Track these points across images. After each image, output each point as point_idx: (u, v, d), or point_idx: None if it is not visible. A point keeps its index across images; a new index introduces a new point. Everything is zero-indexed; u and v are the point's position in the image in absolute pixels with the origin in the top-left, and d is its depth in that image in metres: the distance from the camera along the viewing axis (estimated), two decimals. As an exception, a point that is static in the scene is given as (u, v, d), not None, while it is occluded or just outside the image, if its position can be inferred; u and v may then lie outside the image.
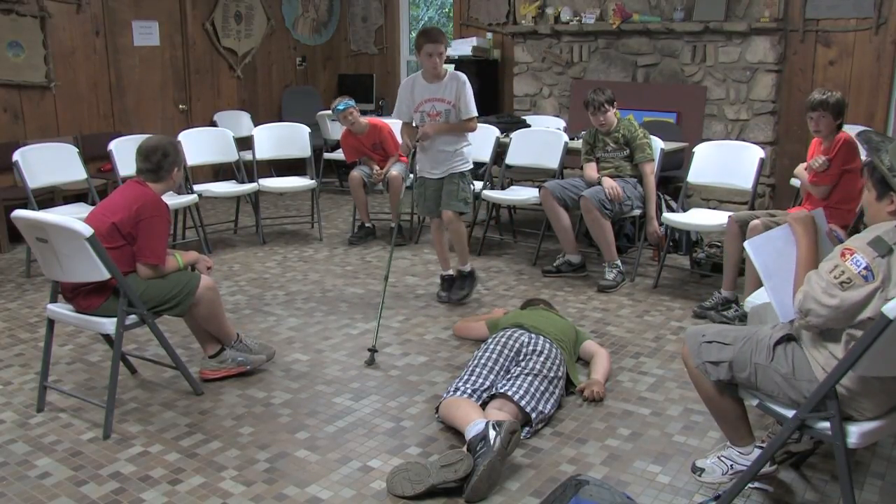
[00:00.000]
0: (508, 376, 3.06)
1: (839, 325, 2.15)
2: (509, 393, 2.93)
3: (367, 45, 8.93)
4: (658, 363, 3.65)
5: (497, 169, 5.88)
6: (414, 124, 4.33)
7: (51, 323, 3.25)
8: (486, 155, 5.71)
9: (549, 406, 3.02)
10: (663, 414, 3.14)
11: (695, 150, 4.92)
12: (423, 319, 4.27)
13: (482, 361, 3.15)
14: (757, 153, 4.65)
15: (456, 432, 2.89)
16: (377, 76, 8.70)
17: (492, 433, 2.54)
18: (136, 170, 3.32)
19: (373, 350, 3.68)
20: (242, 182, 6.16)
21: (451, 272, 4.61)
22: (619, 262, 4.84)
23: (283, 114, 8.27)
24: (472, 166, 4.46)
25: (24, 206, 4.07)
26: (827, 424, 2.15)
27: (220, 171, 7.08)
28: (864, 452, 2.80)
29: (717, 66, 6.31)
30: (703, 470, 2.62)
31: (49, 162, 5.20)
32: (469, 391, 2.99)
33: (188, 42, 7.52)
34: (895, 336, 1.94)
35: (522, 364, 3.11)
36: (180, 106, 7.55)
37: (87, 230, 2.84)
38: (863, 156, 3.95)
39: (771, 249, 2.46)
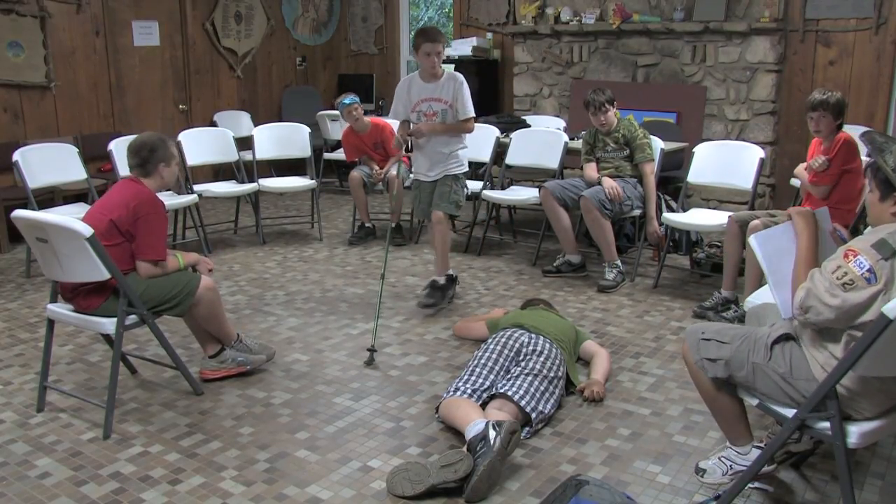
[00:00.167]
0: (508, 376, 3.06)
1: (839, 326, 2.15)
2: (509, 393, 2.93)
3: (367, 45, 8.93)
4: (658, 363, 3.65)
5: (497, 169, 5.88)
6: (411, 125, 4.33)
7: (51, 323, 3.25)
8: (486, 155, 5.72)
9: (549, 406, 3.02)
10: (663, 414, 3.14)
11: (695, 150, 4.92)
12: (423, 319, 4.27)
13: (482, 361, 3.15)
14: (757, 153, 4.65)
15: (456, 432, 2.89)
16: (377, 76, 8.70)
17: (492, 433, 2.54)
18: (128, 167, 3.34)
19: (371, 350, 3.69)
20: (242, 182, 6.16)
21: (450, 272, 4.59)
22: (619, 262, 4.84)
23: (283, 114, 8.27)
24: (466, 169, 4.45)
25: (24, 206, 4.07)
26: (827, 424, 2.15)
27: (220, 171, 7.08)
28: (864, 452, 2.80)
29: (717, 66, 6.31)
30: (705, 471, 2.63)
31: (49, 162, 5.20)
32: (469, 391, 2.99)
33: (188, 42, 7.52)
34: (895, 336, 1.94)
35: (522, 364, 3.11)
36: (180, 106, 7.55)
37: (87, 230, 2.84)
38: (863, 156, 3.96)
39: (774, 245, 2.47)
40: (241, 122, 7.60)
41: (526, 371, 3.06)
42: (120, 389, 3.24)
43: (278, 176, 6.53)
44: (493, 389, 3.00)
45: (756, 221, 3.91)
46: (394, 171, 5.71)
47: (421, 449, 2.87)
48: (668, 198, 5.26)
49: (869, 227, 2.58)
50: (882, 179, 2.20)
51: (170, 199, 5.46)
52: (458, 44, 7.75)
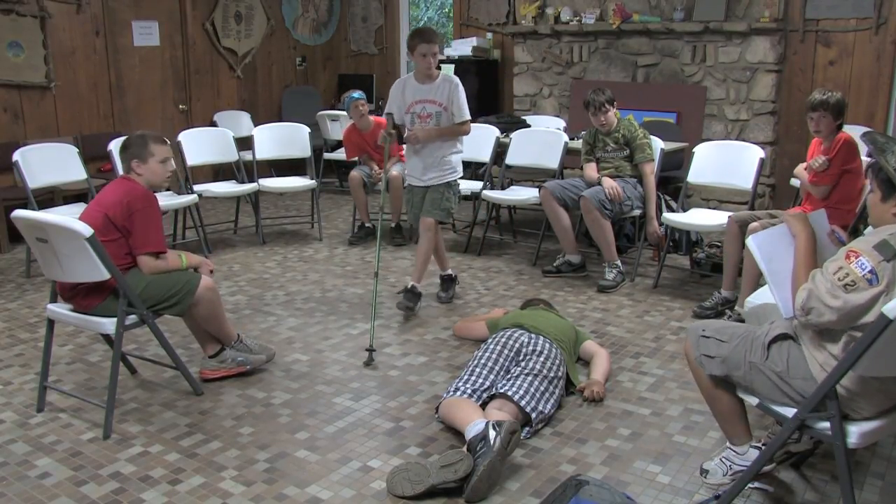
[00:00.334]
0: (508, 376, 3.06)
1: (840, 327, 2.15)
2: (509, 393, 2.93)
3: (367, 45, 8.93)
4: (658, 363, 3.65)
5: (497, 169, 5.88)
6: (407, 127, 4.30)
7: (51, 323, 3.25)
8: (486, 155, 5.72)
9: (549, 406, 3.02)
10: (663, 414, 3.14)
11: (695, 150, 4.92)
12: (423, 319, 4.27)
13: (482, 361, 3.15)
14: (757, 153, 4.65)
15: (456, 432, 2.89)
16: (377, 76, 8.70)
17: (492, 433, 2.54)
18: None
19: (370, 350, 3.68)
20: (242, 182, 6.16)
21: (449, 272, 4.61)
22: (619, 263, 4.84)
23: (283, 114, 8.28)
24: (461, 175, 4.41)
25: (24, 206, 4.07)
26: (827, 424, 2.15)
27: (220, 172, 7.08)
28: (864, 452, 2.80)
29: (717, 66, 6.31)
30: (708, 472, 2.63)
31: (49, 162, 5.20)
32: (469, 391, 2.99)
33: (188, 42, 7.52)
34: (895, 336, 1.94)
35: (522, 364, 3.11)
36: (180, 106, 7.55)
37: (87, 230, 2.84)
38: (863, 156, 3.96)
39: (773, 245, 2.47)
40: (241, 122, 7.60)
41: (526, 371, 3.06)
42: (120, 389, 3.24)
43: (278, 176, 6.53)
44: (493, 389, 3.00)
45: (755, 223, 3.90)
46: (394, 171, 5.72)
47: (421, 449, 2.87)
48: (668, 198, 5.26)
49: (869, 228, 2.58)
50: (883, 180, 2.20)
51: (170, 199, 5.48)
52: (457, 44, 7.75)
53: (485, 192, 5.61)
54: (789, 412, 2.25)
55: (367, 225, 5.99)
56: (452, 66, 7.48)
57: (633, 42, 6.73)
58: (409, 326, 4.16)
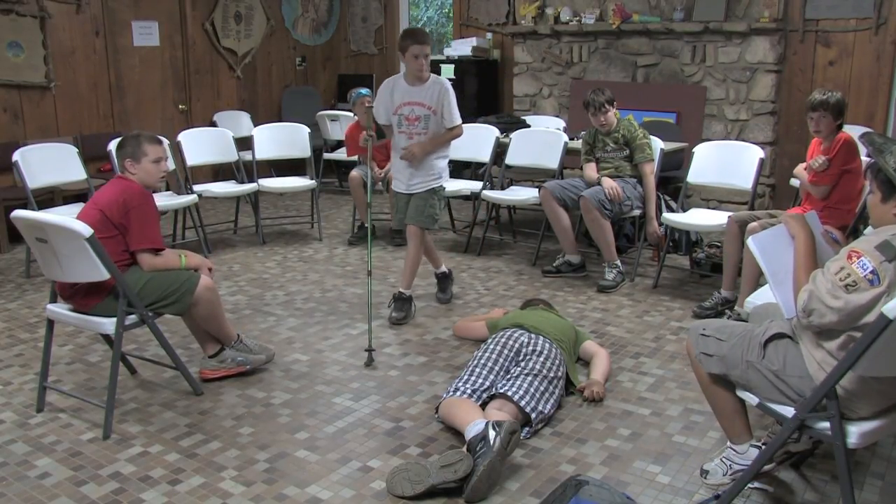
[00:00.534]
0: (508, 376, 3.06)
1: (841, 327, 2.14)
2: (509, 393, 2.93)
3: (366, 45, 8.93)
4: (658, 363, 3.65)
5: (497, 169, 5.88)
6: (395, 129, 4.22)
7: (50, 323, 3.25)
8: (485, 155, 5.72)
9: (548, 406, 3.02)
10: (663, 414, 3.14)
11: (695, 150, 4.92)
12: (423, 319, 4.27)
13: (482, 362, 3.15)
14: (757, 153, 4.65)
15: (456, 432, 2.89)
16: (377, 76, 8.68)
17: (492, 433, 2.54)
18: None
19: (370, 350, 3.68)
20: (242, 182, 6.16)
21: (443, 269, 4.58)
22: (618, 263, 4.84)
23: (282, 114, 8.28)
24: (446, 180, 4.34)
25: (24, 207, 4.07)
26: (827, 424, 2.15)
27: (219, 172, 7.08)
28: (864, 452, 2.80)
29: (716, 66, 6.31)
30: (708, 472, 2.63)
31: (49, 162, 5.20)
32: (469, 391, 2.99)
33: (188, 42, 7.52)
34: (895, 336, 1.94)
35: (522, 364, 3.11)
36: (180, 106, 7.55)
37: (87, 230, 2.84)
38: (863, 156, 3.96)
39: (773, 245, 2.47)
40: (240, 122, 7.60)
41: (526, 371, 3.06)
42: (120, 389, 3.24)
43: (278, 176, 6.53)
44: (493, 389, 3.00)
45: (754, 224, 3.90)
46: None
47: (421, 449, 2.87)
48: (667, 198, 5.26)
49: (869, 228, 2.58)
50: (883, 180, 2.20)
51: (170, 200, 5.48)
52: (457, 44, 7.75)
53: (484, 192, 5.61)
54: (788, 411, 2.25)
55: (367, 225, 5.98)
56: (452, 67, 7.49)
57: (632, 42, 6.74)
58: (409, 326, 4.15)
